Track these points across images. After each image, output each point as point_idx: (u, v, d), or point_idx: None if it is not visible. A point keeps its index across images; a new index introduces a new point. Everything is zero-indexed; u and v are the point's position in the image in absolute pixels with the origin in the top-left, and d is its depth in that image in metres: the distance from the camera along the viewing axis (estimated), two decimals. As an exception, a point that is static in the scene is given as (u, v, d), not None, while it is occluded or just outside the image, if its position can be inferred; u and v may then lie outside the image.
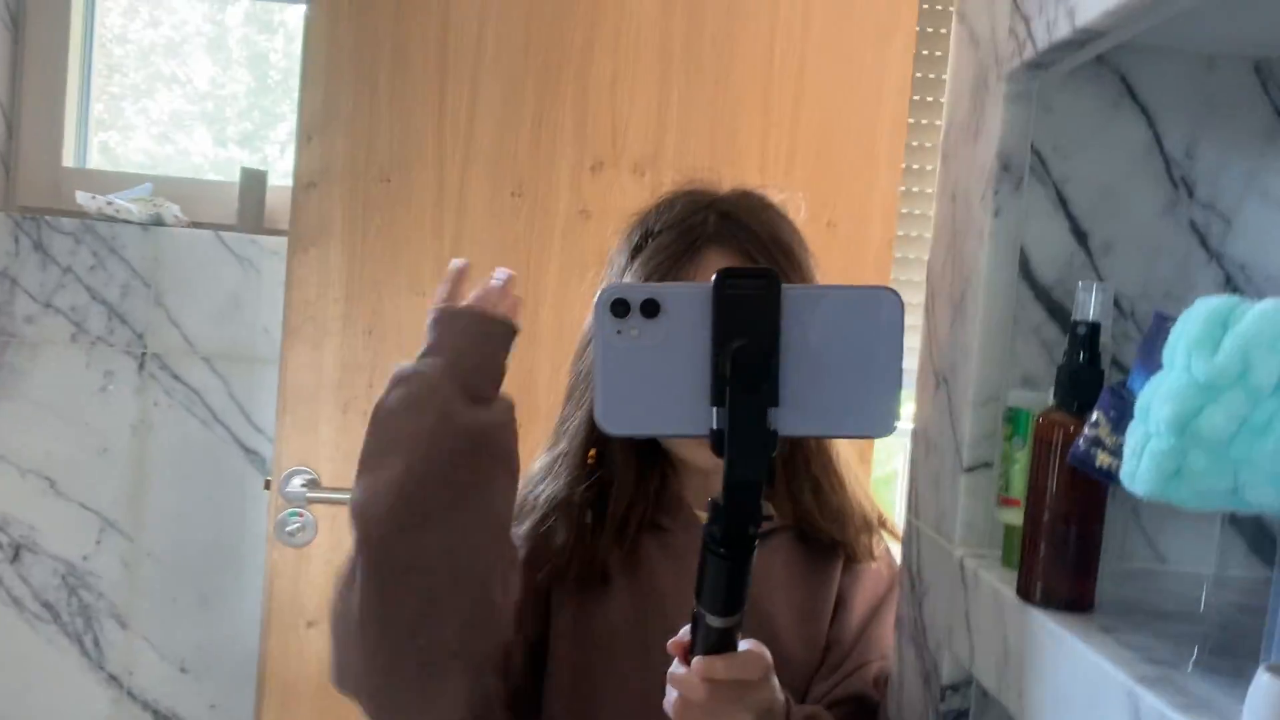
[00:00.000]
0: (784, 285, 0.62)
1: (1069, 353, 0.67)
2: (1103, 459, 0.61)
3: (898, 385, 0.64)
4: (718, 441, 0.62)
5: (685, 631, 0.78)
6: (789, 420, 0.63)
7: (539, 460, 1.02)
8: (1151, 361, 0.59)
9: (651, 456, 0.99)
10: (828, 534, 0.99)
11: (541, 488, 0.99)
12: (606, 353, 0.63)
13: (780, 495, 1.00)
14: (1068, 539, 0.66)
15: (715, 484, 0.66)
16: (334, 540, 1.57)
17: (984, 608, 0.75)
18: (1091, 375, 0.66)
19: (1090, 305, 0.67)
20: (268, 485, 1.57)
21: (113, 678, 1.77)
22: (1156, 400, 0.53)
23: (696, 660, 0.75)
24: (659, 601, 0.96)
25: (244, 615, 1.76)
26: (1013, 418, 0.76)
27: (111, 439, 1.75)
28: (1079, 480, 0.66)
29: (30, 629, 1.76)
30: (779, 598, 0.97)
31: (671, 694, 0.78)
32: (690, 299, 0.62)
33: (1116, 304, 0.79)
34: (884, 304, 0.63)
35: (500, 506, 0.86)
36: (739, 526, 0.65)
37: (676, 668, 0.78)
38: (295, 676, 1.57)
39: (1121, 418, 0.60)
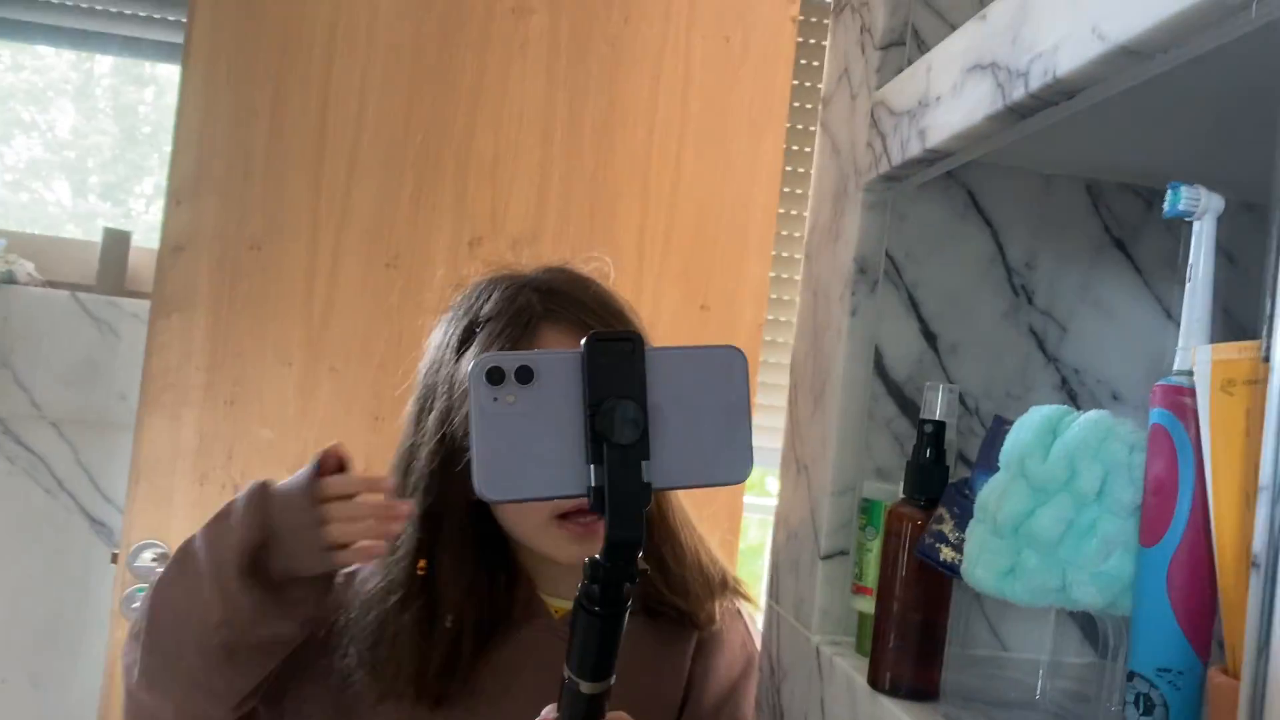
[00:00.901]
0: (647, 346, 0.66)
1: (916, 449, 0.71)
2: (946, 553, 0.64)
3: (749, 433, 0.69)
4: (597, 498, 0.64)
5: (550, 709, 0.77)
6: (660, 473, 0.65)
7: (369, 572, 0.99)
8: (991, 462, 0.62)
9: (492, 558, 0.98)
10: (672, 605, 1.00)
11: (371, 610, 0.96)
12: (483, 420, 0.64)
13: None
14: (914, 629, 0.69)
15: (566, 571, 0.67)
16: (184, 618, 1.50)
17: (837, 695, 0.77)
18: (937, 471, 0.70)
19: (937, 405, 0.71)
20: (115, 559, 1.50)
21: (-73, 767, 1.63)
22: (992, 501, 0.57)
23: None
24: (470, 715, 0.94)
25: (79, 697, 1.66)
26: (866, 508, 0.79)
27: (-57, 507, 1.65)
28: (925, 573, 0.69)
29: None
30: (626, 680, 0.96)
31: None
32: (562, 363, 0.65)
33: (962, 401, 0.83)
34: (732, 360, 0.68)
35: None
36: (616, 584, 0.67)
37: None
38: (134, 764, 1.48)
39: (964, 514, 0.64)
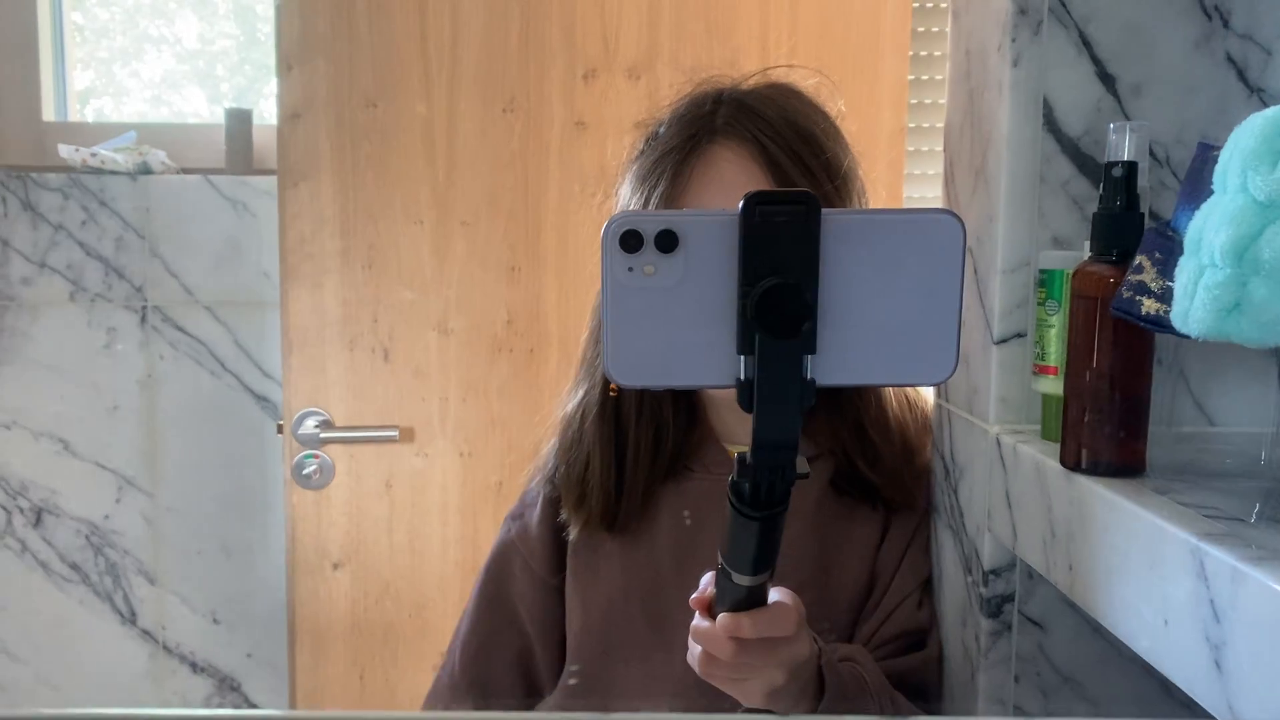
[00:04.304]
0: (825, 211, 0.53)
1: (1104, 198, 0.62)
2: (1149, 305, 0.56)
3: (956, 323, 0.55)
4: (745, 394, 0.55)
5: (707, 582, 0.71)
6: (829, 368, 0.55)
7: (569, 402, 0.97)
8: (1198, 194, 0.53)
9: (678, 395, 0.93)
10: (866, 483, 0.90)
11: (570, 427, 0.95)
12: (616, 293, 0.55)
13: (819, 427, 0.91)
14: (1113, 400, 0.62)
15: (749, 417, 0.58)
16: (352, 480, 1.54)
17: (1025, 483, 0.71)
18: (1131, 219, 0.61)
19: (1124, 145, 0.62)
20: (280, 429, 1.54)
21: (146, 633, 1.76)
22: (1210, 228, 0.48)
23: (722, 617, 0.69)
24: (652, 570, 0.92)
25: (270, 562, 1.75)
26: (1045, 280, 0.71)
27: (121, 396, 1.73)
28: (1122, 336, 0.61)
29: (60, 591, 1.75)
30: (807, 541, 0.90)
31: (695, 649, 0.72)
32: (713, 228, 0.54)
33: (1150, 151, 0.73)
34: (943, 231, 0.54)
35: None
36: (769, 486, 0.58)
37: (700, 621, 0.71)
38: (325, 618, 1.56)
39: (1168, 259, 0.55)
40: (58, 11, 1.82)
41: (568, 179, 1.52)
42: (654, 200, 0.86)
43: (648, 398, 0.93)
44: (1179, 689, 0.52)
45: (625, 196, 0.91)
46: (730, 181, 0.84)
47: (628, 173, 0.92)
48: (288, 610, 1.56)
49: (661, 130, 0.90)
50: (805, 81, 0.91)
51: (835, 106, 0.91)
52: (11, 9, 1.76)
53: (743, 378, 0.54)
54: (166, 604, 1.76)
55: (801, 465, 0.57)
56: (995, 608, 0.78)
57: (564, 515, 0.95)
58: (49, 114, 1.79)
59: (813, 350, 0.54)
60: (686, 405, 0.94)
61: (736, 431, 0.94)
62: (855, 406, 0.90)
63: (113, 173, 1.69)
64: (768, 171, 0.83)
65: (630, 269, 0.54)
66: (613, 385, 0.93)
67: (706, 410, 0.94)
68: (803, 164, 0.84)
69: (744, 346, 0.54)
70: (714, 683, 0.73)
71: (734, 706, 0.79)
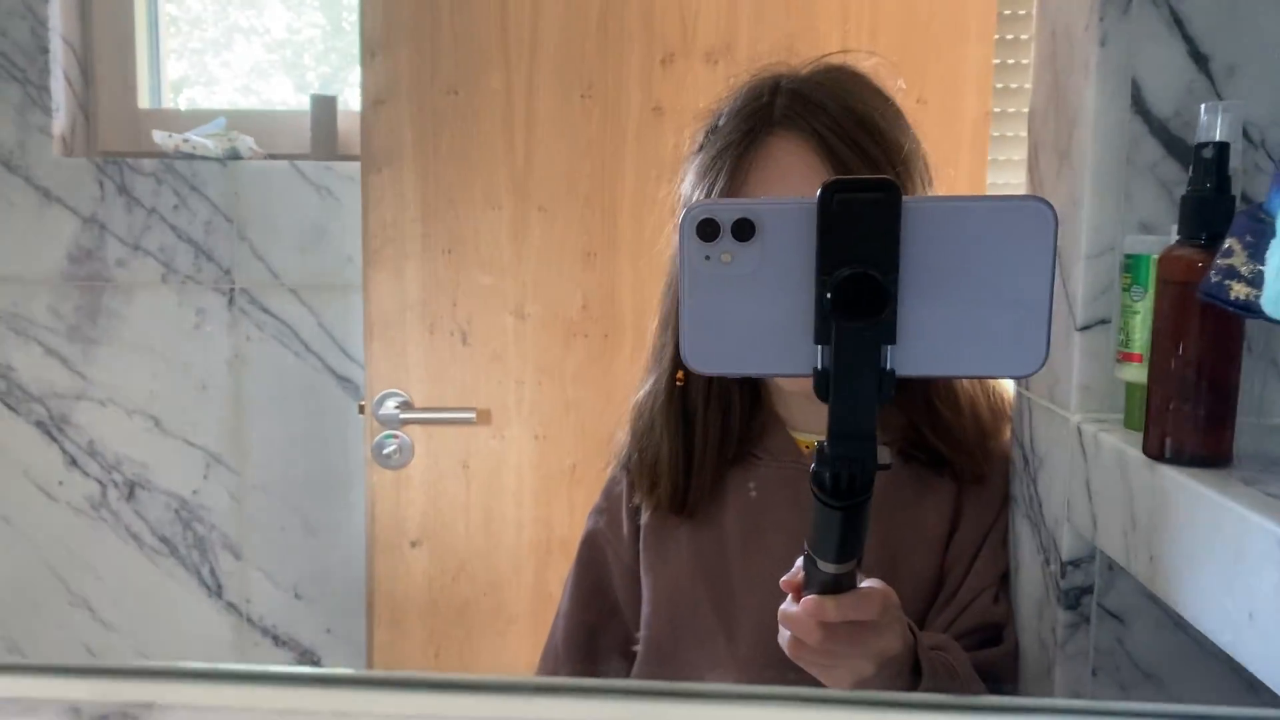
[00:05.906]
0: (906, 199, 0.52)
1: (1194, 180, 0.60)
2: (1238, 290, 0.54)
3: (1046, 315, 0.54)
4: (821, 384, 0.54)
5: (799, 566, 0.71)
6: (909, 359, 0.54)
7: (640, 390, 0.98)
8: (1294, 175, 0.52)
9: (745, 384, 0.94)
10: (933, 449, 0.90)
11: (641, 415, 0.97)
12: (693, 281, 0.55)
13: (887, 409, 0.91)
14: (1200, 387, 0.60)
15: (817, 405, 0.57)
16: (430, 461, 1.57)
17: (1106, 473, 0.69)
18: (1220, 202, 0.59)
19: (1216, 126, 0.60)
20: (361, 410, 1.58)
21: (232, 606, 1.82)
22: (1304, 209, 0.46)
23: (806, 599, 0.69)
24: (718, 555, 0.92)
25: (350, 540, 1.79)
26: (1131, 265, 0.69)
27: (209, 376, 1.78)
28: (1210, 321, 0.59)
29: (151, 563, 1.82)
30: (875, 527, 0.90)
31: (784, 633, 0.72)
32: (791, 217, 0.53)
33: (1244, 133, 0.71)
34: (1033, 218, 0.52)
35: None
36: (849, 477, 0.57)
37: (787, 605, 0.71)
38: (403, 596, 1.59)
39: (1260, 242, 0.53)
40: (153, 5, 1.88)
41: (644, 164, 1.53)
42: (715, 195, 0.86)
43: (715, 385, 0.93)
44: (1263, 686, 0.50)
45: (687, 192, 0.91)
46: (789, 174, 0.84)
47: (689, 167, 0.92)
48: (366, 587, 1.60)
49: (720, 123, 0.90)
50: (863, 63, 0.90)
51: (894, 86, 0.90)
52: (111, 4, 1.82)
53: (819, 367, 0.54)
54: (251, 578, 1.82)
55: (883, 455, 0.56)
56: (1073, 599, 0.77)
57: (637, 499, 0.96)
58: (144, 102, 1.86)
59: (892, 340, 0.53)
60: (752, 392, 0.95)
61: (802, 419, 0.94)
62: (923, 382, 0.88)
63: (203, 158, 1.74)
64: (826, 162, 0.83)
65: (707, 257, 0.54)
66: (680, 374, 0.93)
67: (772, 397, 0.94)
68: (862, 151, 0.83)
69: (821, 336, 0.54)
70: (803, 667, 0.73)
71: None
